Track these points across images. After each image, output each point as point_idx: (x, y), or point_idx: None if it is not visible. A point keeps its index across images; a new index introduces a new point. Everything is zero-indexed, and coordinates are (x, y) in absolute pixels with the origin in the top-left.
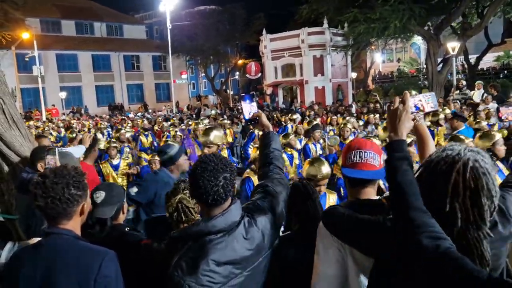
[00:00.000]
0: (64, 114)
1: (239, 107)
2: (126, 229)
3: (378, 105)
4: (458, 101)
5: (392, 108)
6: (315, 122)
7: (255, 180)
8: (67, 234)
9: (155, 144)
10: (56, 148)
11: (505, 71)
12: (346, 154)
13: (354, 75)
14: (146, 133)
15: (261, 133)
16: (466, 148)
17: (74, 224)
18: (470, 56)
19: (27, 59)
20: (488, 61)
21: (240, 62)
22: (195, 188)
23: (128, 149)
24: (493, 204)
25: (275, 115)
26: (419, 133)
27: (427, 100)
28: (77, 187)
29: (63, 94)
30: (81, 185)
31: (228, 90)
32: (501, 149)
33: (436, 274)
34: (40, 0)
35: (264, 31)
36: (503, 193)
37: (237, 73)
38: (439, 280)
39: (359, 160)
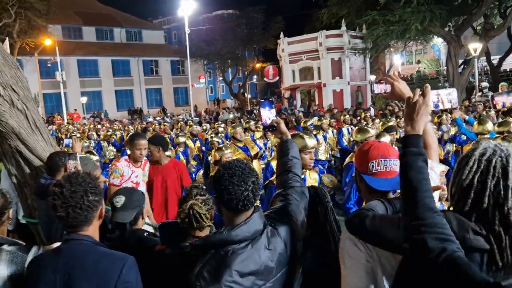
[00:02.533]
0: (84, 118)
1: (256, 111)
2: (145, 234)
3: (396, 108)
4: (481, 103)
5: (411, 101)
6: (390, 123)
7: None
8: (86, 240)
9: (203, 149)
10: (77, 154)
11: None
12: (367, 161)
13: (372, 77)
14: (194, 138)
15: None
16: (497, 144)
17: (93, 230)
18: (492, 57)
19: (49, 65)
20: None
21: (258, 65)
22: (224, 194)
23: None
24: None
25: (289, 120)
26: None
27: (447, 96)
28: (94, 193)
29: (84, 99)
30: (98, 190)
31: (245, 94)
32: None
33: (438, 277)
34: (62, 7)
35: (281, 35)
36: None
37: (255, 76)
38: (441, 283)
39: (383, 169)
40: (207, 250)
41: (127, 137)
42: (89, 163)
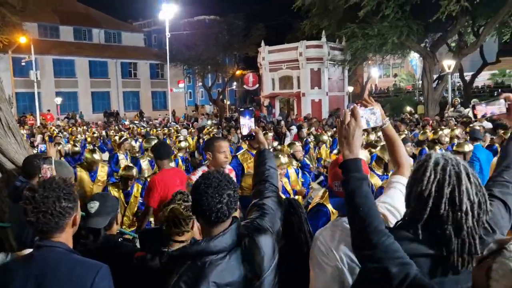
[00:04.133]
0: (58, 119)
1: (235, 117)
2: (120, 240)
3: None
4: (453, 118)
5: (343, 124)
6: (402, 136)
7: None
8: (59, 247)
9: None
10: (52, 158)
11: (499, 90)
12: (333, 178)
13: (350, 89)
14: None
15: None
16: (445, 154)
17: (66, 237)
18: (465, 74)
19: (23, 64)
20: (483, 79)
21: (238, 72)
22: (198, 205)
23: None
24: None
25: (268, 129)
26: (388, 137)
27: (374, 114)
28: (68, 199)
29: (58, 100)
30: (72, 197)
31: (225, 100)
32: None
33: None
34: (39, 5)
35: (262, 43)
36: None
37: (235, 83)
38: None
39: None
40: (184, 260)
41: (204, 143)
42: (64, 168)
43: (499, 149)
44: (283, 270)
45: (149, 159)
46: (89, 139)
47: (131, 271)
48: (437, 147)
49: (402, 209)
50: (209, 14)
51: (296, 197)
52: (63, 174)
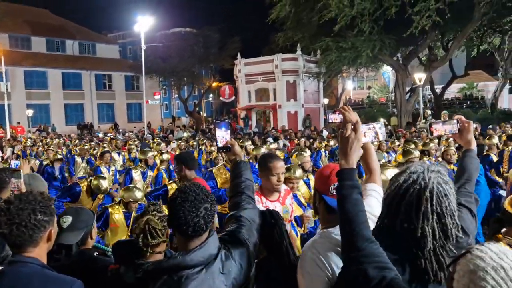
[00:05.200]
0: (30, 132)
1: (213, 129)
2: (95, 254)
3: None
4: (424, 129)
5: (344, 135)
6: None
7: None
8: (32, 262)
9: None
10: (21, 172)
11: (468, 101)
12: (329, 183)
13: (326, 101)
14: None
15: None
16: (428, 169)
17: (40, 252)
18: (436, 87)
19: None
20: (453, 91)
21: (214, 84)
22: (174, 218)
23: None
24: (455, 222)
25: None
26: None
27: (379, 129)
28: (43, 212)
29: (29, 112)
30: (48, 210)
31: (201, 112)
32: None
33: None
34: (10, 16)
35: (239, 56)
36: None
37: (211, 95)
38: None
39: None
40: (160, 275)
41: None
42: (39, 182)
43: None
44: (263, 281)
45: (142, 170)
46: (78, 151)
47: (106, 286)
48: (425, 158)
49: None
50: (185, 26)
51: (310, 211)
52: (38, 187)
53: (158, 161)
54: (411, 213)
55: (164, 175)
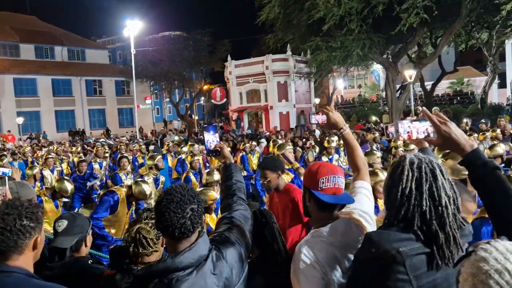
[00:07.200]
0: (20, 140)
1: (200, 134)
2: (89, 262)
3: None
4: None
5: (443, 131)
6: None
7: None
8: (18, 271)
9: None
10: (6, 178)
11: (458, 97)
12: (318, 178)
13: (317, 100)
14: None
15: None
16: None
17: (26, 260)
18: (426, 83)
19: None
20: (443, 88)
21: (205, 87)
22: (160, 220)
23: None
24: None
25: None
26: (347, 142)
27: (430, 127)
28: (30, 218)
29: (20, 120)
30: (35, 217)
31: (193, 115)
32: None
33: None
34: None
35: (229, 58)
36: None
37: (202, 98)
38: None
39: (332, 185)
40: (151, 279)
41: None
42: (27, 190)
43: None
44: (257, 281)
45: (154, 176)
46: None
47: None
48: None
49: (371, 213)
50: (174, 30)
51: None
52: (26, 196)
53: (188, 163)
54: (432, 188)
55: (162, 179)
